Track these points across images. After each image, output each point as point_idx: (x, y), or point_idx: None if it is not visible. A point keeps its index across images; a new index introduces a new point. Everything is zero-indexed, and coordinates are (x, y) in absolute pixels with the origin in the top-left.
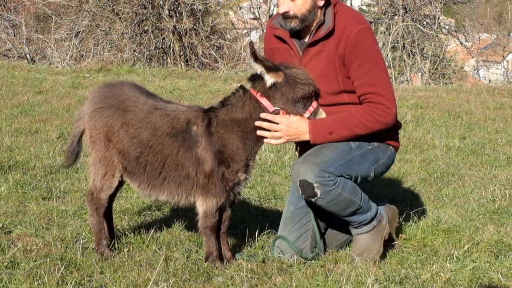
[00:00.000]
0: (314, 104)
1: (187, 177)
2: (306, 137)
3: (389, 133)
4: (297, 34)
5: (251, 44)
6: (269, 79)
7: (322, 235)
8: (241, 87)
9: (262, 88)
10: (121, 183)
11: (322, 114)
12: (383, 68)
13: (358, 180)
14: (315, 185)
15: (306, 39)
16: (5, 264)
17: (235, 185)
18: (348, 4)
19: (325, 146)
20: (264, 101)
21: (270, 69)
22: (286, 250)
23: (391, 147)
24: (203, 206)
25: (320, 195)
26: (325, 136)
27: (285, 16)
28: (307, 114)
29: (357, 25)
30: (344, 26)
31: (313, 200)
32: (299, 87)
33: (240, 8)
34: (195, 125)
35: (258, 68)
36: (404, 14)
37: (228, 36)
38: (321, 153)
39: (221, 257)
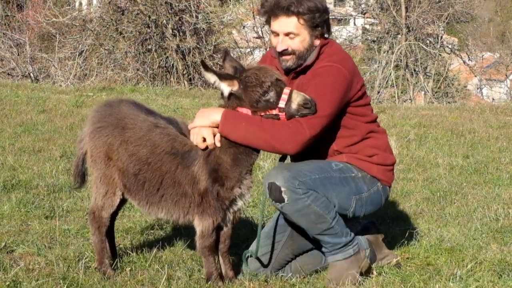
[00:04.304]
0: (286, 90)
1: (184, 195)
2: (217, 116)
3: (374, 167)
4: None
5: (225, 51)
6: (225, 88)
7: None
8: None
9: (235, 100)
10: (122, 201)
11: (299, 95)
12: (332, 99)
13: (336, 208)
14: (282, 189)
15: None
16: (7, 283)
17: (231, 202)
18: (351, 23)
19: (304, 161)
20: (242, 110)
21: (224, 77)
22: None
23: (378, 183)
24: (199, 226)
25: (287, 201)
26: (235, 121)
27: (283, 53)
28: (282, 104)
29: (330, 62)
30: (319, 62)
31: (280, 206)
32: (250, 90)
33: (244, 27)
34: None
35: (211, 78)
36: (407, 33)
37: (232, 55)
38: (297, 164)
39: (221, 277)
